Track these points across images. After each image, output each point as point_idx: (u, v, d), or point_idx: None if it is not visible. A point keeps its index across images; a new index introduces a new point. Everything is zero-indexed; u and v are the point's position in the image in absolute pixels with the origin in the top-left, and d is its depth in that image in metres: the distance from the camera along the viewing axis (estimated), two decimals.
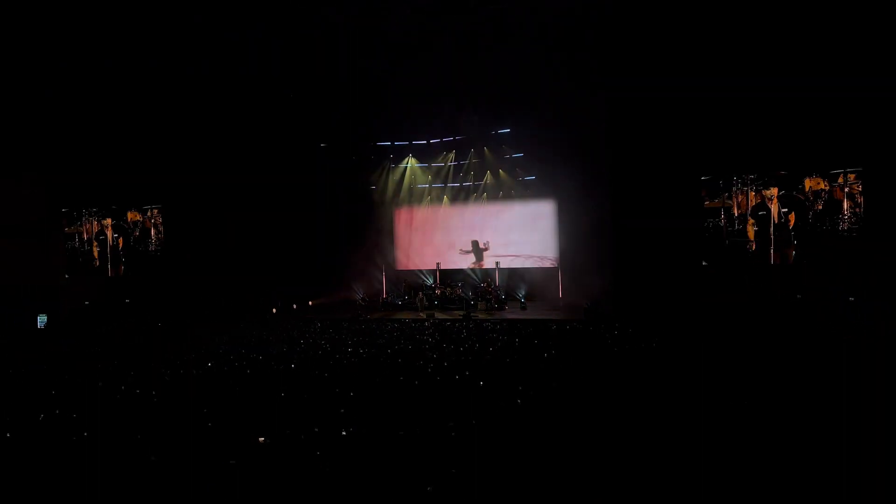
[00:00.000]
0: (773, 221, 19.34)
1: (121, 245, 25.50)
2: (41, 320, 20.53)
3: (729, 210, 19.86)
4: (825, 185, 18.75)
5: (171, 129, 23.15)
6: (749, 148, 19.11)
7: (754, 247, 19.48)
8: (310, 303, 23.79)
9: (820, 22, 16.95)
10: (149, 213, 25.29)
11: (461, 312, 20.29)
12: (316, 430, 7.15)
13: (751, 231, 19.63)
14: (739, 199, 19.73)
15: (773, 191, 19.33)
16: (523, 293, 22.60)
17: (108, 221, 25.58)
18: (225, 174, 23.36)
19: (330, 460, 6.29)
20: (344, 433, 7.04)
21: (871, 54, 16.46)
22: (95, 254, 25.57)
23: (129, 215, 25.46)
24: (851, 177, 18.48)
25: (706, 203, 20.05)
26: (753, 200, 19.58)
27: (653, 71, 18.92)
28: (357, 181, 26.05)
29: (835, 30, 16.83)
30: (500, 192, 25.10)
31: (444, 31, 20.12)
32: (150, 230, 25.25)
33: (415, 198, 26.21)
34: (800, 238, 18.92)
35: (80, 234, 25.78)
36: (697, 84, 18.39)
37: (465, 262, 25.30)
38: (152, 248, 25.20)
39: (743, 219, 19.64)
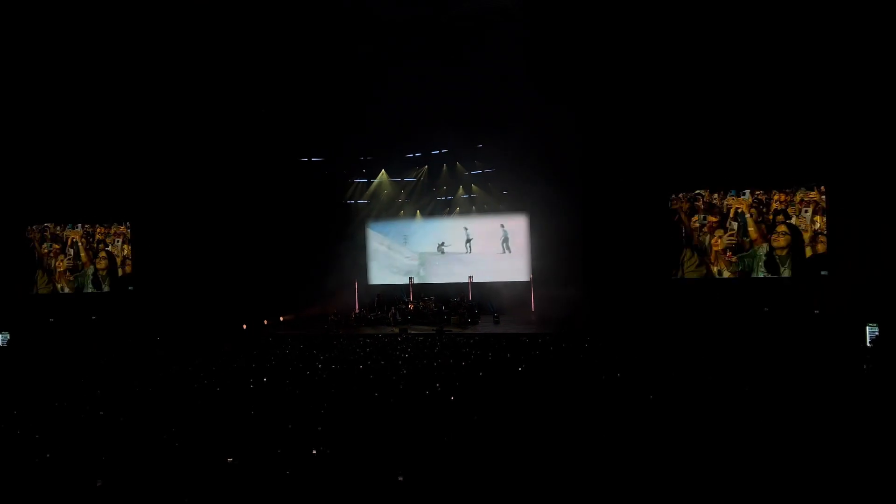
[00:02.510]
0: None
1: (88, 262, 24.91)
2: (3, 338, 19.98)
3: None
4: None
5: (140, 144, 22.82)
6: (717, 164, 19.54)
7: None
8: (281, 318, 23.54)
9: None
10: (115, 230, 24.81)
11: (434, 327, 20.25)
12: (286, 448, 7.04)
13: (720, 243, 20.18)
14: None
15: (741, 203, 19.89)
16: (496, 307, 22.64)
17: (76, 235, 24.98)
18: (195, 189, 23.14)
19: (301, 480, 6.20)
20: (315, 452, 6.95)
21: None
22: (62, 269, 24.94)
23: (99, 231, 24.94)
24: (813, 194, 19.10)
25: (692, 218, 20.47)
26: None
27: (624, 88, 19.31)
28: (329, 196, 25.95)
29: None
30: (473, 207, 25.21)
31: (416, 47, 20.28)
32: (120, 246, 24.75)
33: (388, 212, 26.17)
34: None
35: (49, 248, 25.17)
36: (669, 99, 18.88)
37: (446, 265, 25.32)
38: (120, 265, 24.70)
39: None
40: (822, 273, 18.85)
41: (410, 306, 23.18)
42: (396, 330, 20.42)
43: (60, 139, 22.60)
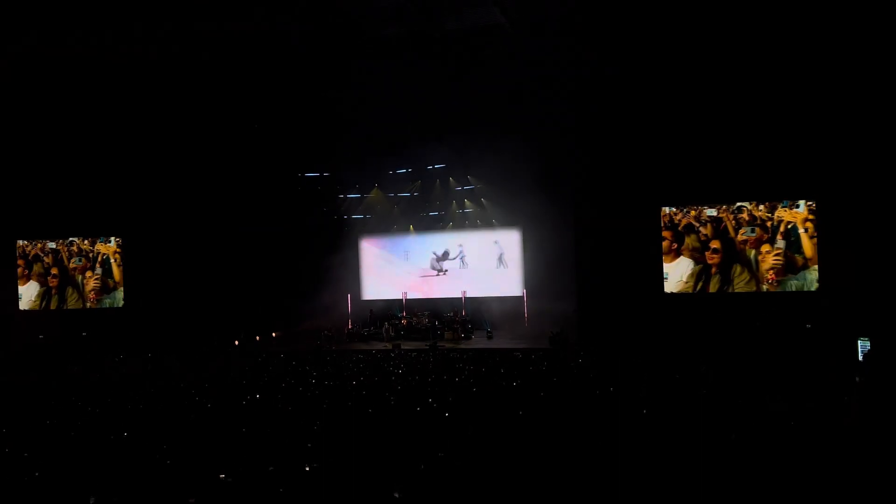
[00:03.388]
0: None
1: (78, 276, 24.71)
2: None
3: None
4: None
5: (131, 159, 22.79)
6: (709, 179, 19.63)
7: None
8: (273, 334, 23.43)
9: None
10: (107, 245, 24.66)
11: (427, 342, 20.20)
12: (279, 465, 6.99)
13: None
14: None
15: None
16: (489, 322, 22.62)
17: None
18: (186, 204, 23.09)
19: (293, 497, 6.15)
20: (308, 468, 6.90)
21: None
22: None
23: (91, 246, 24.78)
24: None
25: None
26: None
27: (616, 102, 19.46)
28: (322, 210, 25.96)
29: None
30: (466, 222, 25.25)
31: (411, 61, 20.44)
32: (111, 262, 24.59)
33: (380, 227, 26.18)
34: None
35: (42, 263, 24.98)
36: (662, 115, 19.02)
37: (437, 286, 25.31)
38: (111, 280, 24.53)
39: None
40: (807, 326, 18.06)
41: (404, 321, 23.13)
42: (390, 345, 20.36)
43: (50, 153, 22.56)
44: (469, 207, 25.08)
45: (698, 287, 19.81)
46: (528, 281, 23.68)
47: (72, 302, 24.61)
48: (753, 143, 18.71)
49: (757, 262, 19.22)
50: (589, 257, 20.70)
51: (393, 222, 26.02)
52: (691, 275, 19.78)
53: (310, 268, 24.39)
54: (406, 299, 24.75)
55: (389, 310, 24.80)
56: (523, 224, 23.72)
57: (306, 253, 24.55)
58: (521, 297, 23.52)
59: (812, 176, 18.39)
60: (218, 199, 23.12)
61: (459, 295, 24.24)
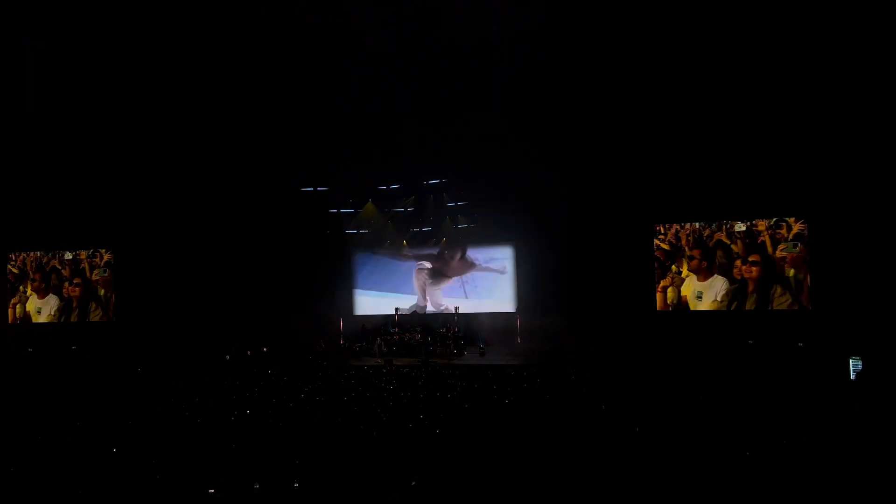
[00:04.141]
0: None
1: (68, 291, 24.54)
2: None
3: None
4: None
5: (125, 171, 22.74)
6: (699, 196, 19.73)
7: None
8: (264, 349, 23.26)
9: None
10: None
11: (419, 359, 20.10)
12: (268, 481, 6.91)
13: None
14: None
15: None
16: (482, 338, 22.54)
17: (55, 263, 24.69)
18: (178, 217, 23.04)
19: None
20: (297, 485, 6.83)
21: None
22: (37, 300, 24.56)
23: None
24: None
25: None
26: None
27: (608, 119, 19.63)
28: (315, 225, 25.91)
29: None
30: (459, 238, 25.25)
31: (407, 74, 20.61)
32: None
33: (373, 242, 26.14)
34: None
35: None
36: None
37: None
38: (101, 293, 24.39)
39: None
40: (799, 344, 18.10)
41: (396, 337, 23.03)
42: (382, 361, 20.24)
43: (44, 166, 22.48)
44: (463, 223, 25.09)
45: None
46: (521, 297, 23.68)
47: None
48: (744, 161, 18.86)
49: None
50: (581, 274, 20.76)
51: (386, 237, 26.00)
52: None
53: (302, 282, 24.31)
54: (399, 315, 24.66)
55: (381, 325, 24.68)
56: (516, 240, 23.75)
57: (299, 267, 24.45)
58: (513, 314, 23.50)
59: (804, 194, 18.47)
60: (211, 213, 23.07)
61: (452, 311, 24.19)
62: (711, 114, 18.78)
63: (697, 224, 20.19)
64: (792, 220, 19.17)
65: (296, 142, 23.23)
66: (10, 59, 18.49)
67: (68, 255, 24.61)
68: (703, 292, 19.78)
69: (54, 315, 24.58)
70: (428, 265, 25.43)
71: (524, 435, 8.86)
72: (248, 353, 22.40)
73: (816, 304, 18.75)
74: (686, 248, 20.23)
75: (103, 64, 19.02)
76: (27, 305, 24.83)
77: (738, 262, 19.63)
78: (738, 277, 19.60)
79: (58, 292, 24.70)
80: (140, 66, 19.68)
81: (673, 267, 20.39)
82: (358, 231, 26.18)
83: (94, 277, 24.48)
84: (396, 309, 24.81)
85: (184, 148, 22.26)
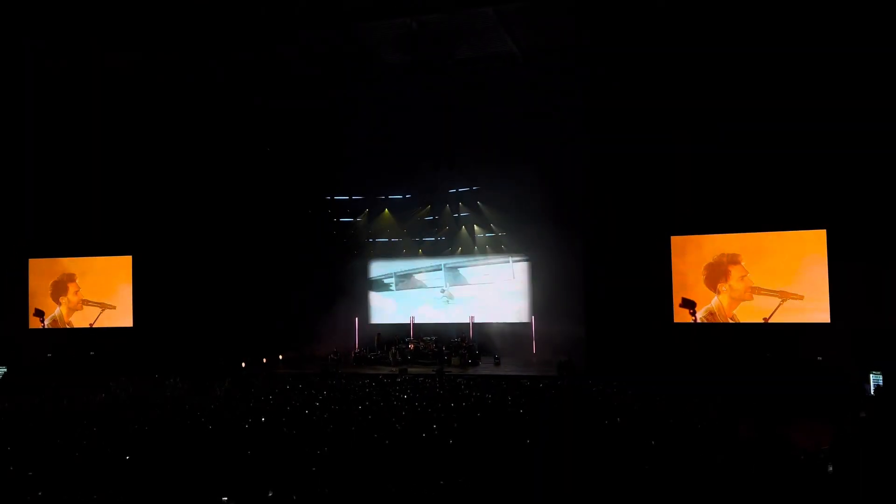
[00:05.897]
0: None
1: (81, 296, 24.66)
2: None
3: None
4: None
5: (142, 175, 23.01)
6: (716, 206, 19.56)
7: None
8: (280, 356, 23.40)
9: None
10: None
11: (434, 368, 20.09)
12: (282, 489, 6.93)
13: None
14: None
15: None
16: (497, 348, 22.49)
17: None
18: (196, 223, 23.24)
19: None
20: (311, 492, 6.84)
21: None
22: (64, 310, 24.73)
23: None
24: None
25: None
26: None
27: (631, 129, 19.51)
28: (330, 234, 26.09)
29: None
30: (475, 248, 25.27)
31: (421, 88, 20.72)
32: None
33: (389, 251, 26.24)
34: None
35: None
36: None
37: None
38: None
39: None
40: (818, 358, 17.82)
41: (411, 346, 23.04)
42: (396, 370, 20.26)
43: (64, 170, 22.78)
44: (479, 233, 25.12)
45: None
46: (537, 308, 23.62)
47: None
48: (763, 172, 18.67)
49: None
50: (598, 285, 20.66)
51: (402, 246, 26.10)
52: None
53: (318, 290, 24.45)
54: (414, 324, 24.69)
55: (396, 334, 24.72)
56: (532, 250, 23.72)
57: (314, 275, 24.62)
58: (529, 324, 23.43)
59: (825, 203, 18.22)
60: (228, 221, 23.28)
61: (467, 320, 24.17)
62: (730, 117, 18.59)
63: None
64: None
65: (313, 151, 23.48)
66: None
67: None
68: None
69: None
70: None
71: (536, 445, 8.81)
72: (264, 360, 22.56)
73: (836, 318, 18.48)
74: None
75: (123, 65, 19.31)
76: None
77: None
78: None
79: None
80: (163, 71, 19.98)
81: None
82: (375, 239, 26.28)
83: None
84: (412, 317, 24.85)
85: (203, 152, 22.50)
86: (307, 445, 9.04)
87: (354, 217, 26.36)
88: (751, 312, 19.39)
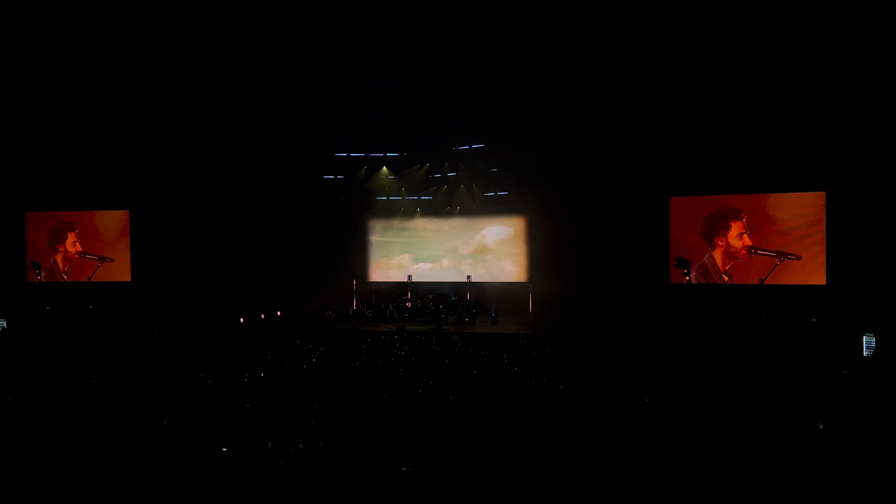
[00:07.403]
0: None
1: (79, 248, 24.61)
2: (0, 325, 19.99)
3: None
4: None
5: (142, 132, 22.82)
6: (716, 166, 19.51)
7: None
8: (278, 313, 23.52)
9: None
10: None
11: (431, 326, 20.22)
12: (280, 441, 7.03)
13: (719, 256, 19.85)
14: None
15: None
16: (494, 307, 22.60)
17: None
18: (194, 181, 23.14)
19: (294, 472, 6.20)
20: (301, 445, 6.94)
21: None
22: (59, 259, 24.75)
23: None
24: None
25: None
26: None
27: (623, 89, 19.36)
28: (329, 191, 25.93)
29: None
30: (474, 207, 25.16)
31: (420, 43, 20.45)
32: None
33: (387, 209, 26.13)
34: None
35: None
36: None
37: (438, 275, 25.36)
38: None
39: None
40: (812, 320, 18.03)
41: (408, 304, 23.15)
42: (393, 327, 20.39)
43: (62, 127, 22.58)
44: (477, 192, 24.98)
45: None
46: (534, 267, 23.66)
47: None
48: (762, 133, 18.59)
49: None
50: (595, 246, 20.72)
51: (400, 205, 25.97)
52: None
53: (316, 248, 24.46)
54: (411, 282, 24.74)
55: (394, 292, 24.78)
56: (530, 211, 23.63)
57: (313, 233, 24.59)
58: (526, 284, 23.49)
59: (824, 165, 18.18)
60: (227, 179, 23.16)
61: (464, 279, 24.22)
62: (730, 82, 18.44)
63: None
64: None
65: (311, 108, 23.20)
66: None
67: None
68: None
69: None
70: None
71: (533, 403, 8.93)
72: (262, 316, 22.68)
73: (832, 280, 18.57)
74: None
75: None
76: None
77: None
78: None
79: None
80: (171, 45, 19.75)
81: None
82: (372, 197, 26.11)
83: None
84: (409, 276, 24.88)
85: (201, 107, 22.24)
86: (305, 399, 9.15)
87: (353, 174, 26.12)
88: (747, 274, 19.54)
